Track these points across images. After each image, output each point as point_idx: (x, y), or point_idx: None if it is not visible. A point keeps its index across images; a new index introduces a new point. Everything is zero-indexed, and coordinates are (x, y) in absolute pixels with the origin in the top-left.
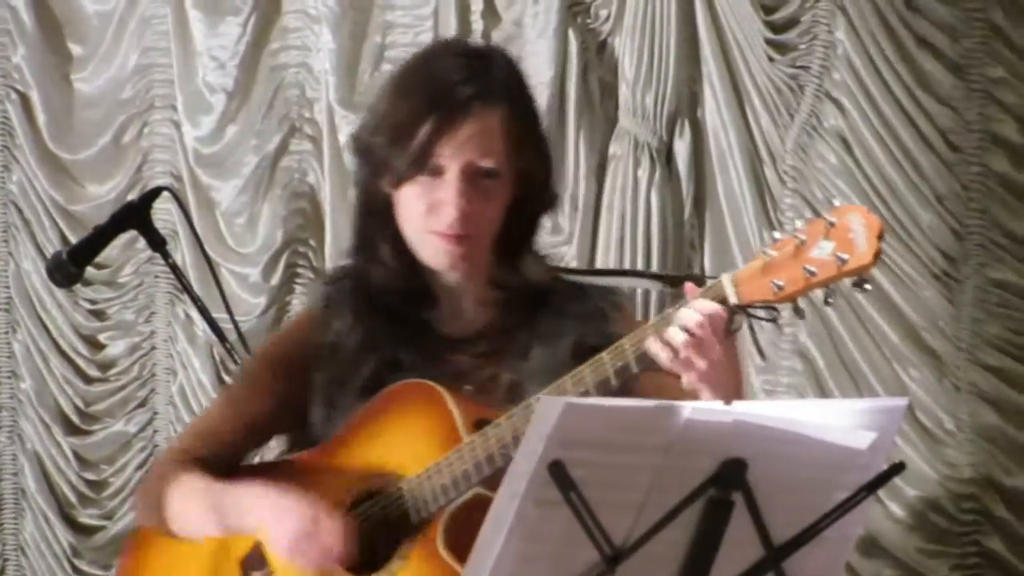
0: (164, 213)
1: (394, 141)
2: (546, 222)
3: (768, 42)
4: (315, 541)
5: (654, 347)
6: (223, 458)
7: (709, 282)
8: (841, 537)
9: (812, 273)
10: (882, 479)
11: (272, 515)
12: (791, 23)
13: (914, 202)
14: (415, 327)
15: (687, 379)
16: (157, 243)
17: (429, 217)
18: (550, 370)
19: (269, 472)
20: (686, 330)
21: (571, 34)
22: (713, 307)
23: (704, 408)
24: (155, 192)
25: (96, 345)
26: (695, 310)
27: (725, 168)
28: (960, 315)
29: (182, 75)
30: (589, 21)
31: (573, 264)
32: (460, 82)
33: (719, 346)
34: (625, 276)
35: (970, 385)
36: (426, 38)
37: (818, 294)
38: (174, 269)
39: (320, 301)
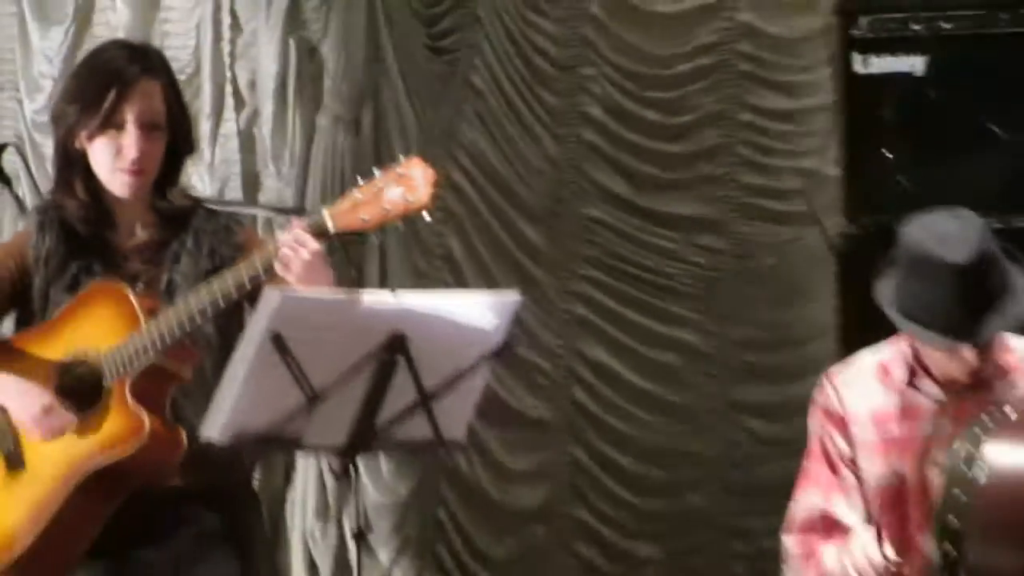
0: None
1: (85, 108)
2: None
3: (428, 47)
4: (38, 411)
5: (273, 261)
6: None
7: (313, 215)
8: (472, 388)
9: (387, 210)
10: (500, 351)
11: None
12: (448, 32)
13: (530, 157)
14: (101, 242)
15: (290, 279)
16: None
17: (116, 159)
18: (195, 272)
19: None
20: (291, 247)
21: (291, 42)
22: (306, 235)
23: (378, 297)
24: (3, 146)
25: None
26: (296, 234)
27: (401, 136)
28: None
29: (23, 66)
30: (304, 33)
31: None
32: (130, 63)
33: (312, 258)
34: (253, 208)
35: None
36: (192, 43)
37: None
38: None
39: (35, 224)
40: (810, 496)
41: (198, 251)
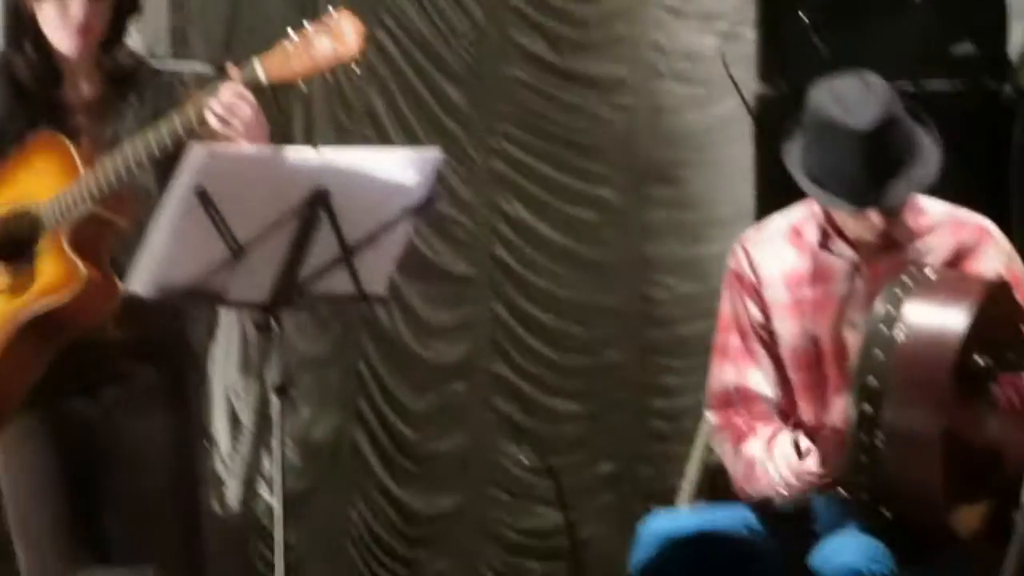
0: None
1: None
2: None
3: None
4: None
5: (207, 112)
6: None
7: (245, 67)
8: (393, 242)
9: (317, 60)
10: (421, 206)
11: None
12: None
13: (454, 19)
14: (48, 99)
15: (227, 132)
16: None
17: (63, 18)
18: (137, 125)
19: None
20: (229, 103)
21: None
22: (245, 90)
23: (303, 153)
24: None
25: None
26: (234, 89)
27: None
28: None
29: None
30: None
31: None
32: None
33: (253, 113)
34: (189, 62)
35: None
36: None
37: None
38: None
39: None
40: (724, 371)
41: (142, 108)
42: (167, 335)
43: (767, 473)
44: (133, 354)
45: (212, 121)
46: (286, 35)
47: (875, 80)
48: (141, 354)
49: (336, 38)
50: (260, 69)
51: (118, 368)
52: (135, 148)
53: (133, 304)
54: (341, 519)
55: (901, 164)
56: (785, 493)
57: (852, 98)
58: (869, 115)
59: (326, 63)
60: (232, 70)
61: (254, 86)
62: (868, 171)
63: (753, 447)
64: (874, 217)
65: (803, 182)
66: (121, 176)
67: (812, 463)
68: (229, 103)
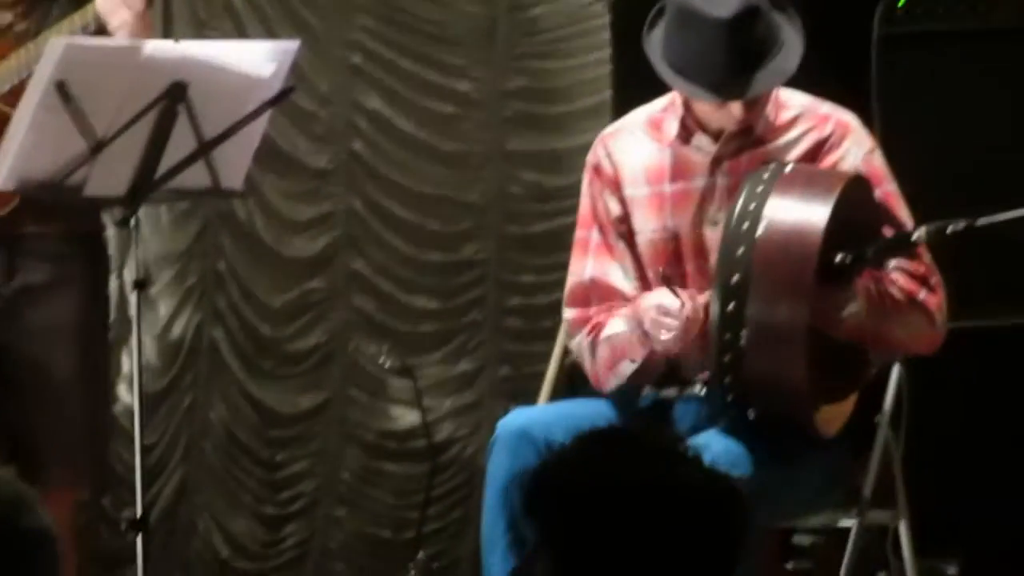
0: None
1: None
2: None
3: None
4: None
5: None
6: None
7: None
8: (251, 136)
9: None
10: (278, 97)
11: None
12: None
13: None
14: None
15: (124, 33)
16: None
17: None
18: (45, 29)
19: None
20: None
21: None
22: None
23: (160, 46)
24: None
25: None
26: None
27: None
28: None
29: None
30: None
31: None
32: None
33: (140, 7)
34: None
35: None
36: None
37: None
38: None
39: None
40: (584, 266)
41: (71, 6)
42: (78, 231)
43: (642, 336)
44: (42, 247)
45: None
46: None
47: None
48: (50, 248)
49: None
50: None
51: (26, 261)
52: (38, 46)
53: (44, 200)
54: (200, 419)
55: (764, 55)
56: (667, 339)
57: None
58: (731, 3)
59: None
60: None
61: None
62: (730, 61)
63: (616, 324)
64: (735, 108)
65: (664, 72)
66: (22, 72)
67: (685, 295)
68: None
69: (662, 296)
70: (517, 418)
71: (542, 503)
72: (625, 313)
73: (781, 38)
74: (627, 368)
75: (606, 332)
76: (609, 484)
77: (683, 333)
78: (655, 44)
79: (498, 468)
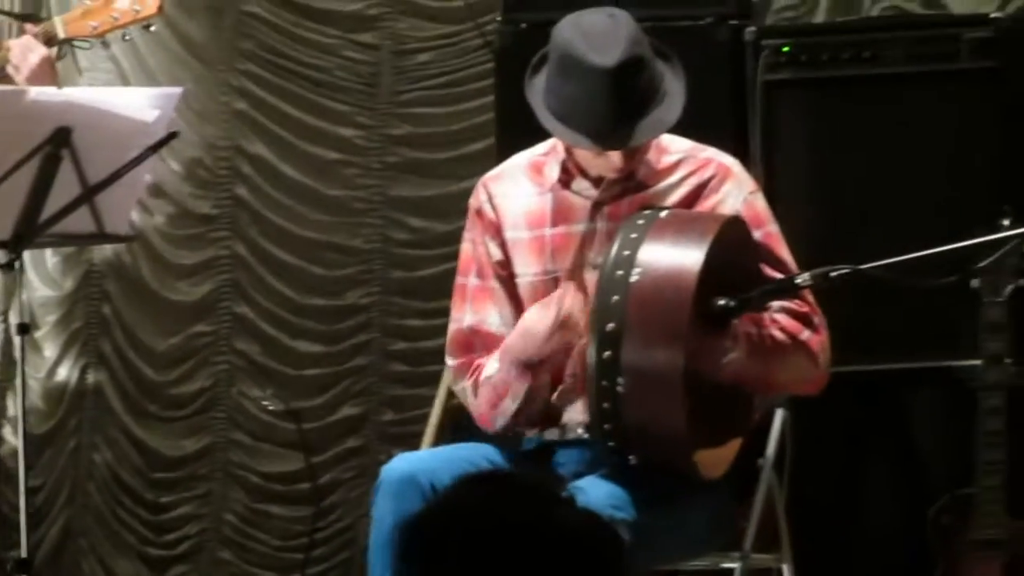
0: None
1: None
2: None
3: None
4: None
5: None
6: None
7: (46, 22)
8: (136, 181)
9: (116, 18)
10: (162, 142)
11: None
12: None
13: None
14: None
15: (20, 80)
16: None
17: None
18: None
19: None
20: (20, 52)
21: None
22: (36, 41)
23: (44, 91)
24: None
25: None
26: (25, 40)
27: None
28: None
29: None
30: None
31: None
32: None
33: (40, 62)
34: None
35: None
36: None
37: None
38: None
39: None
40: (463, 313)
41: None
42: None
43: (519, 370)
44: None
45: (9, 70)
46: None
47: (621, 15)
48: None
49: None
50: (60, 25)
51: None
52: None
53: None
54: (85, 462)
55: (646, 104)
56: (545, 347)
57: (597, 34)
58: (614, 53)
59: (125, 21)
60: (30, 27)
61: (52, 40)
62: (613, 110)
63: (492, 365)
64: (615, 157)
65: (545, 119)
66: None
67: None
68: (23, 54)
69: (522, 321)
70: (401, 463)
71: (420, 548)
72: (497, 353)
73: (664, 88)
74: (510, 406)
75: (485, 373)
76: (487, 527)
77: (558, 333)
78: (537, 90)
79: (383, 512)
